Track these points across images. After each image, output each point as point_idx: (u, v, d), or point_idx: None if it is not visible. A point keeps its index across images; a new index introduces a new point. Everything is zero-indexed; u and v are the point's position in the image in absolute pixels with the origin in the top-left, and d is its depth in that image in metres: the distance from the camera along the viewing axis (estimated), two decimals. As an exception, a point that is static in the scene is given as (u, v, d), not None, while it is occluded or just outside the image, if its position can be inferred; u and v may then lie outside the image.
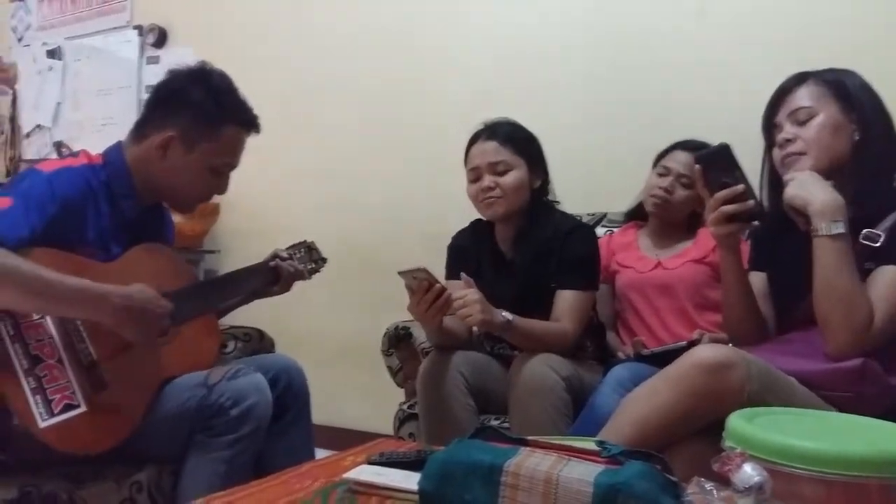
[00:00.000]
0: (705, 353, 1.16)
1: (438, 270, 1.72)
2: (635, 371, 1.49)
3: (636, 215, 1.99)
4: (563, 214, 1.82)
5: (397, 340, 1.94)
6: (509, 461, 0.92)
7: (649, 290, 1.82)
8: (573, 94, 2.38)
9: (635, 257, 1.89)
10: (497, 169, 1.74)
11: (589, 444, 1.00)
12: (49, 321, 1.27)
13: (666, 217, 1.87)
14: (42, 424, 1.20)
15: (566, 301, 1.68)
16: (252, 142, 1.56)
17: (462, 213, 1.91)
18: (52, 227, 1.30)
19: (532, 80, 2.44)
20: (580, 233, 1.76)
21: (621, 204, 2.08)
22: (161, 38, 3.32)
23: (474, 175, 1.78)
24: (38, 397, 1.21)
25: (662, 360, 1.38)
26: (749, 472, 0.81)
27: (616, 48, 2.31)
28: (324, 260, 1.81)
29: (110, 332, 1.29)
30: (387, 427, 1.94)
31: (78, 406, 1.24)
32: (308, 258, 1.78)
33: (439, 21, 2.63)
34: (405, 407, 1.86)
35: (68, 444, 1.23)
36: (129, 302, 1.28)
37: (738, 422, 0.98)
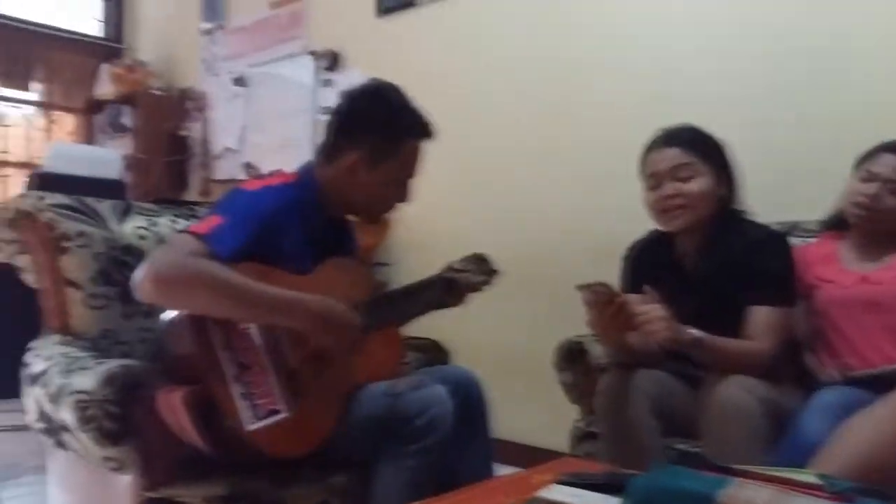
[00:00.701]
0: (944, 381, 1.03)
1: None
2: (844, 396, 1.35)
3: (835, 224, 1.81)
4: (753, 224, 1.69)
5: (571, 356, 1.90)
6: (721, 491, 0.86)
7: (855, 306, 1.63)
8: (759, 94, 2.22)
9: (836, 270, 1.71)
10: (680, 175, 1.64)
11: (809, 477, 0.92)
12: (254, 330, 1.36)
13: (871, 227, 1.67)
14: (249, 428, 1.29)
15: (761, 318, 1.56)
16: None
17: (636, 227, 1.83)
18: (256, 242, 1.39)
19: (712, 81, 2.32)
20: (774, 243, 1.63)
21: (813, 212, 1.91)
22: (334, 62, 3.52)
23: (653, 182, 1.68)
24: (245, 402, 1.30)
25: (878, 384, 1.25)
26: None
27: (808, 40, 2.13)
28: (495, 272, 1.81)
29: (308, 342, 1.37)
30: (557, 442, 1.90)
31: (281, 411, 1.32)
32: (480, 270, 1.78)
33: (611, 31, 2.57)
34: (582, 425, 1.81)
35: (273, 446, 1.31)
36: (324, 310, 1.36)
37: None
